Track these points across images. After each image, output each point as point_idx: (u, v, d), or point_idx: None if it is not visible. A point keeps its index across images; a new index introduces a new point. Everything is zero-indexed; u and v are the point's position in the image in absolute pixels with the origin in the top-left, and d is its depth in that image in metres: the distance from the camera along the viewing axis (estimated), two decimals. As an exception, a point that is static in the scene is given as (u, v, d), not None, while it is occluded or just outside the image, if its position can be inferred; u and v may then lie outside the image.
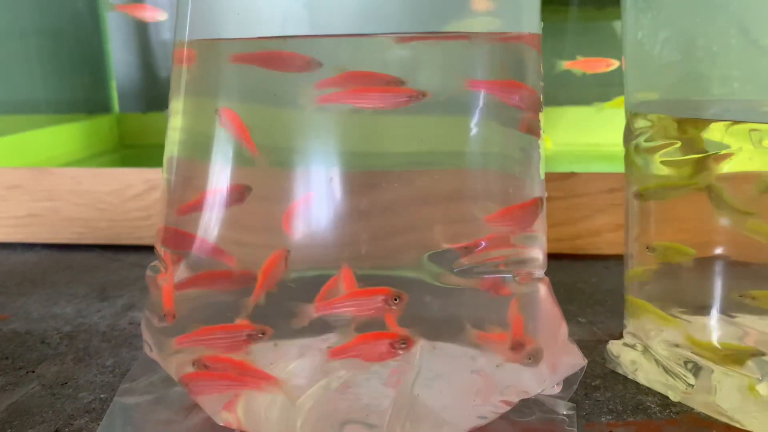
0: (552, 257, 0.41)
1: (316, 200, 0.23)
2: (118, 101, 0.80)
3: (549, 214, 0.41)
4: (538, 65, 0.25)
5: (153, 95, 0.81)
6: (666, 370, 0.25)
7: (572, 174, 0.39)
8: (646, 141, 0.27)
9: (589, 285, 0.37)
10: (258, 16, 0.22)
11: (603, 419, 0.24)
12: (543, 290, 0.24)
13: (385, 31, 0.21)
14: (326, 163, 0.22)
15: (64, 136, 0.68)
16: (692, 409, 0.24)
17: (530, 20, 0.24)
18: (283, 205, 0.23)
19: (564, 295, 0.35)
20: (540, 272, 0.25)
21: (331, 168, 0.22)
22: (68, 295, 0.37)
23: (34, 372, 0.28)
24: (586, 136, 0.70)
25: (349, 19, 0.21)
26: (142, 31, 0.81)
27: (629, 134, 0.28)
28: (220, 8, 0.23)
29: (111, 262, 0.43)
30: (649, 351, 0.26)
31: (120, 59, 0.81)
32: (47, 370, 0.28)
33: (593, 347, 0.29)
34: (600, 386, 0.26)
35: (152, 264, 0.26)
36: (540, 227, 0.25)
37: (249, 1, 0.22)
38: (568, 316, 0.33)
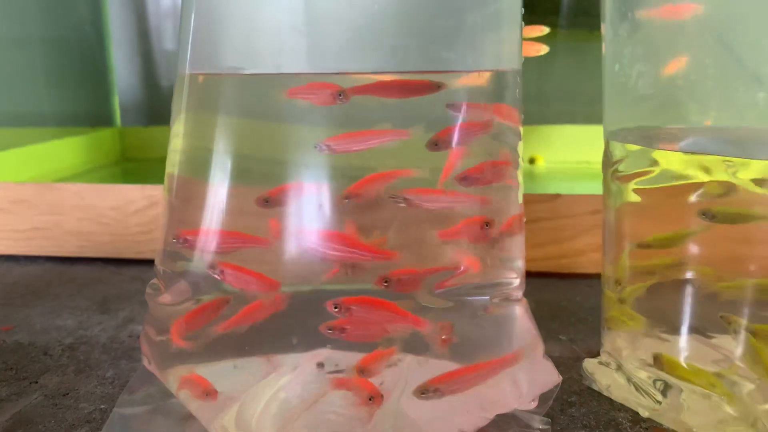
0: (538, 276, 0.42)
1: (308, 216, 0.24)
2: (120, 115, 0.82)
3: (536, 234, 0.42)
4: (518, 99, 0.26)
5: (154, 109, 0.83)
6: (636, 387, 0.26)
7: (557, 196, 0.41)
8: (621, 168, 0.28)
9: (572, 303, 0.38)
10: (256, 54, 0.24)
11: (577, 434, 0.25)
12: (519, 311, 0.26)
13: (377, 69, 0.23)
14: (318, 177, 0.24)
15: (68, 149, 0.70)
16: (661, 424, 0.25)
17: (511, 58, 0.26)
18: (276, 219, 0.24)
19: (548, 312, 0.37)
20: (518, 294, 0.26)
21: (323, 184, 0.24)
22: (70, 308, 0.39)
23: (37, 383, 0.30)
24: (578, 154, 0.72)
25: (342, 57, 0.23)
26: (144, 46, 0.83)
27: (607, 161, 0.30)
28: (218, 43, 0.25)
29: (112, 275, 0.44)
30: (622, 369, 0.27)
31: (123, 74, 0.83)
32: (49, 381, 0.30)
33: (572, 364, 0.30)
34: (575, 402, 0.27)
35: (152, 282, 0.27)
36: (518, 252, 0.26)
37: (246, 38, 0.24)
38: (551, 333, 0.34)
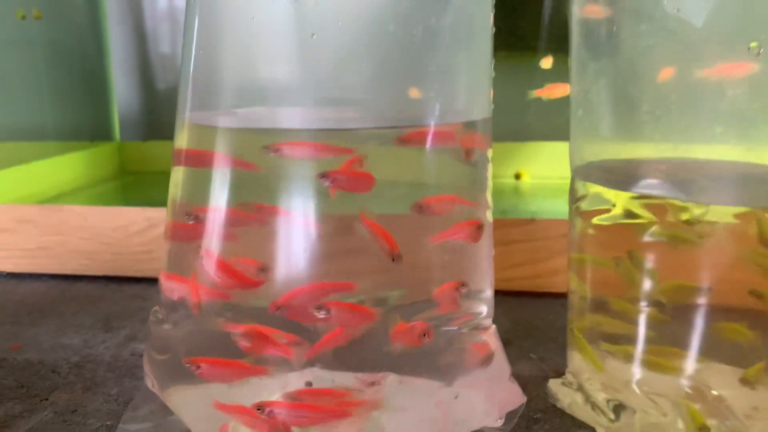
0: (515, 294, 0.45)
1: (297, 244, 0.27)
2: (119, 130, 0.84)
3: (513, 255, 0.45)
4: (487, 152, 0.29)
5: (152, 124, 0.85)
6: (593, 407, 0.29)
7: (533, 220, 0.44)
8: (583, 206, 0.31)
9: (545, 322, 0.41)
10: (250, 110, 0.26)
11: (539, 449, 0.28)
12: (488, 338, 0.28)
13: (355, 127, 0.26)
14: (306, 209, 0.26)
15: (69, 164, 0.72)
16: (616, 440, 0.28)
17: (482, 109, 0.28)
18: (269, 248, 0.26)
19: (522, 332, 0.39)
20: (487, 322, 0.29)
21: (310, 213, 0.26)
22: (75, 326, 0.41)
23: (47, 400, 0.32)
24: (561, 170, 0.75)
25: (323, 116, 0.25)
26: (143, 63, 0.85)
27: (572, 196, 0.32)
28: (215, 98, 0.27)
29: (114, 292, 0.47)
30: (582, 390, 0.30)
31: (122, 90, 0.85)
32: (59, 398, 0.32)
33: (540, 383, 0.33)
34: (540, 419, 0.30)
35: (155, 309, 0.30)
36: (487, 283, 0.29)
37: (241, 95, 0.26)
38: (523, 352, 0.37)
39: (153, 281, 0.48)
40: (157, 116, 0.85)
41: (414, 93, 0.26)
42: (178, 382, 0.29)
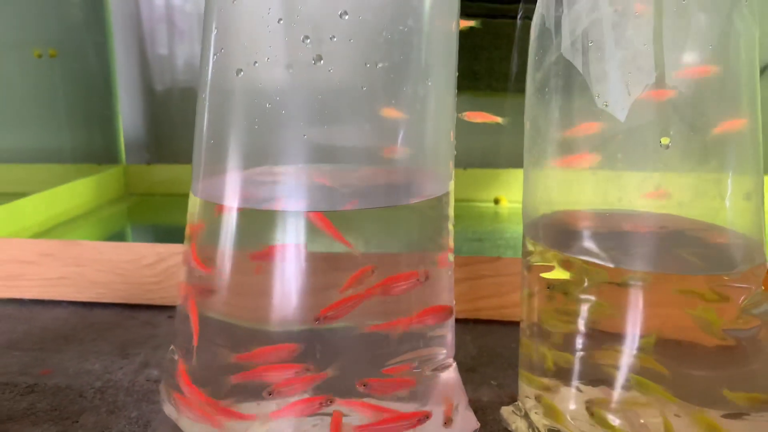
0: (483, 322, 0.51)
1: (289, 276, 0.32)
2: (125, 154, 0.90)
3: (481, 288, 0.51)
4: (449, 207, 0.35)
5: (157, 148, 0.91)
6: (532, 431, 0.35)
7: (498, 258, 0.49)
8: (532, 260, 0.37)
9: (508, 350, 0.47)
10: (256, 193, 0.32)
11: (489, 466, 0.34)
12: (448, 374, 0.34)
13: (342, 208, 0.31)
14: (299, 249, 0.32)
15: (79, 189, 0.78)
16: (553, 459, 0.34)
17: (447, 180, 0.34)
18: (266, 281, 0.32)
19: (486, 358, 0.45)
20: (448, 361, 0.35)
21: (301, 252, 0.32)
22: (95, 352, 0.47)
23: (77, 422, 0.38)
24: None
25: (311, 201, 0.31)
26: (148, 90, 0.90)
27: (524, 250, 0.38)
28: (222, 181, 0.33)
29: (127, 319, 0.52)
30: (528, 417, 0.36)
31: (127, 115, 0.90)
32: (87, 420, 0.38)
33: (497, 408, 0.39)
34: (493, 440, 0.36)
35: (171, 348, 0.35)
36: (447, 330, 0.34)
37: (249, 183, 0.32)
38: (485, 378, 0.43)
39: (162, 309, 0.54)
40: (161, 141, 0.91)
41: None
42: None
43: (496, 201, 0.82)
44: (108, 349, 0.47)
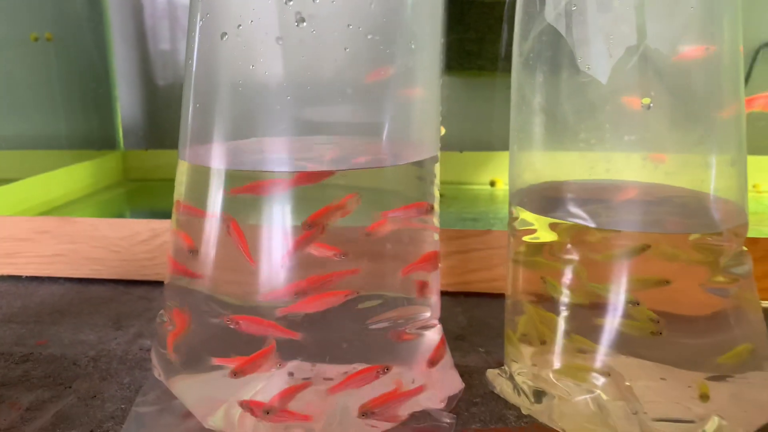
0: (474, 295, 0.51)
1: (280, 254, 0.33)
2: (123, 139, 0.91)
3: (472, 262, 0.51)
4: (434, 178, 0.35)
5: (154, 134, 0.91)
6: (520, 393, 0.35)
7: (488, 231, 0.50)
8: (516, 225, 0.37)
9: (497, 320, 0.47)
10: (242, 155, 0.32)
11: (474, 426, 0.34)
12: (432, 334, 0.34)
13: (327, 168, 0.32)
14: (285, 225, 0.32)
15: (78, 173, 0.78)
16: (537, 420, 0.34)
17: (432, 146, 0.35)
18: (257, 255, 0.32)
19: (475, 328, 0.46)
20: (433, 321, 0.35)
21: (288, 229, 0.32)
22: (90, 325, 0.47)
23: (70, 387, 0.39)
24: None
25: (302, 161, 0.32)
26: (146, 76, 0.91)
27: (510, 218, 0.39)
28: (211, 145, 0.33)
29: (122, 294, 0.53)
30: (513, 378, 0.36)
31: (125, 101, 0.91)
32: (80, 386, 0.39)
33: (483, 372, 0.39)
34: (479, 402, 0.36)
35: (161, 312, 0.36)
36: (432, 291, 0.35)
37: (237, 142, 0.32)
38: (474, 346, 0.43)
39: (157, 284, 0.55)
40: (158, 126, 0.91)
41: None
42: (180, 372, 0.35)
43: (492, 183, 0.83)
44: (103, 321, 0.48)
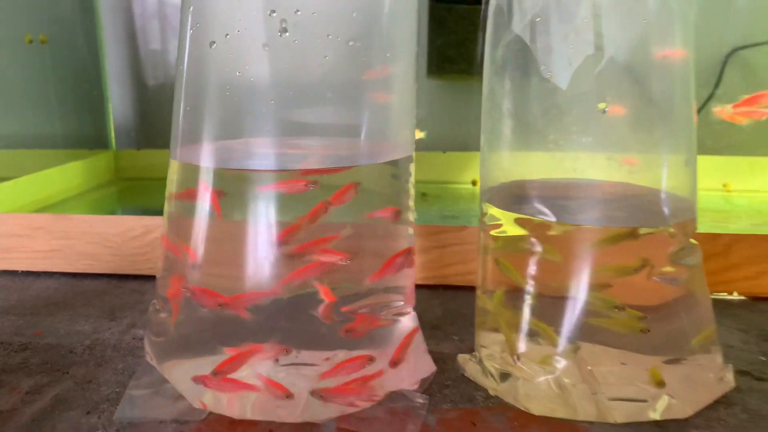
0: (451, 288, 0.54)
1: (264, 249, 0.35)
2: (115, 139, 0.93)
3: (448, 256, 0.54)
4: (410, 176, 0.38)
5: (146, 134, 0.94)
6: (487, 375, 0.38)
7: (464, 227, 0.52)
8: (485, 221, 0.40)
9: (471, 311, 0.49)
10: (230, 154, 0.35)
11: (444, 406, 0.37)
12: (406, 321, 0.37)
13: (308, 167, 0.34)
14: (269, 220, 0.35)
15: (71, 172, 0.80)
16: (503, 400, 0.37)
17: (407, 146, 0.37)
18: (240, 249, 0.35)
19: (451, 318, 0.48)
20: (407, 308, 0.38)
21: (272, 222, 0.35)
22: (85, 316, 0.50)
23: (67, 373, 0.41)
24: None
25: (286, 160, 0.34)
26: (137, 77, 0.93)
27: (481, 213, 0.41)
28: (201, 146, 0.36)
29: (115, 288, 0.55)
30: (482, 363, 0.39)
31: (117, 102, 0.93)
32: (77, 372, 0.41)
33: (456, 358, 0.42)
34: (450, 385, 0.39)
35: (153, 301, 0.38)
36: (407, 281, 0.38)
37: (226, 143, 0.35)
38: (448, 334, 0.46)
39: (148, 278, 0.57)
40: (150, 126, 0.94)
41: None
42: (172, 358, 0.37)
43: (474, 182, 0.86)
44: (97, 313, 0.50)
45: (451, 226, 0.53)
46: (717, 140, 0.87)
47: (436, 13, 0.77)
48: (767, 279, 0.51)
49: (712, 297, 0.52)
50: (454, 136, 0.85)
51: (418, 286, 0.54)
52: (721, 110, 0.78)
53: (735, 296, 0.52)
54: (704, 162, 0.94)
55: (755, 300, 0.52)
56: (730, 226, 0.69)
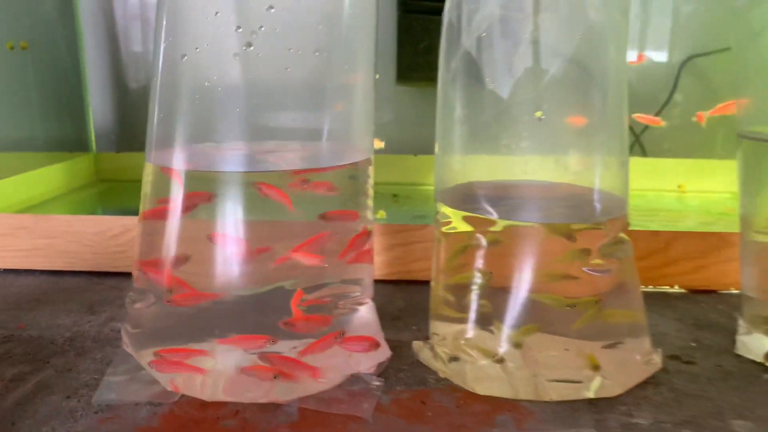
0: (414, 282, 0.57)
1: (232, 246, 0.38)
2: (95, 142, 0.95)
3: (413, 252, 0.57)
4: (368, 178, 0.41)
5: (126, 137, 0.96)
6: (437, 359, 0.41)
7: (426, 225, 0.56)
8: (439, 218, 0.44)
9: (431, 304, 0.53)
10: (199, 157, 0.38)
11: (398, 388, 0.40)
12: (365, 310, 0.41)
13: (274, 169, 0.38)
14: (236, 221, 0.38)
15: (51, 175, 0.83)
16: (452, 382, 0.41)
17: (366, 150, 0.41)
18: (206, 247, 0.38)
19: (411, 310, 0.52)
20: (365, 299, 0.41)
21: (240, 224, 0.38)
22: (65, 311, 0.52)
23: (48, 362, 0.44)
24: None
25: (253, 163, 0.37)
26: (117, 82, 0.96)
27: (436, 212, 0.45)
28: (174, 150, 0.39)
29: (95, 285, 0.58)
30: (433, 348, 0.42)
31: (97, 106, 0.95)
32: (58, 361, 0.44)
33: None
34: (406, 369, 0.42)
35: (130, 293, 0.41)
36: (365, 274, 0.41)
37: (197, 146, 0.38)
38: (408, 325, 0.49)
39: (127, 275, 0.60)
40: (129, 130, 0.96)
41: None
42: (147, 347, 0.40)
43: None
44: (77, 308, 0.53)
45: (415, 225, 0.56)
46: (673, 144, 0.91)
47: (404, 23, 0.80)
48: (704, 273, 0.55)
49: (655, 290, 0.57)
50: (424, 139, 0.88)
51: (384, 281, 0.58)
52: (701, 114, 0.84)
53: (676, 289, 0.56)
54: (661, 164, 0.99)
55: (693, 293, 0.56)
56: (679, 225, 0.73)
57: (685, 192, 0.86)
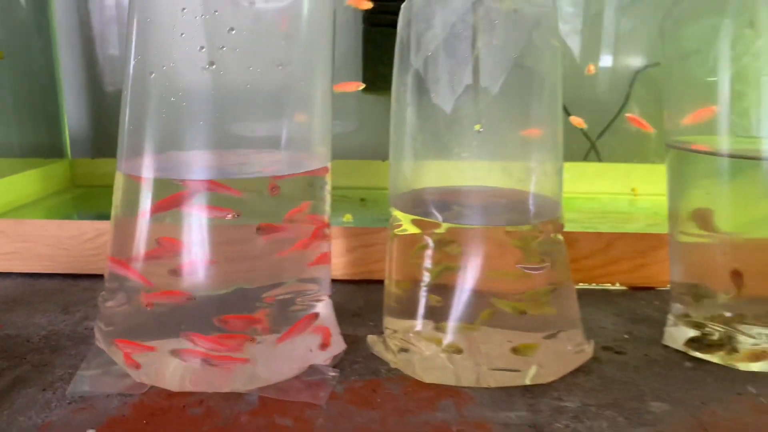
0: (374, 282, 0.61)
1: (203, 244, 0.41)
2: (70, 148, 0.97)
3: (372, 254, 0.61)
4: (326, 185, 0.45)
5: (101, 143, 0.98)
6: (388, 350, 0.45)
7: (384, 228, 0.60)
8: (392, 221, 0.47)
9: (390, 302, 0.57)
10: (171, 165, 0.41)
11: (352, 378, 0.44)
12: (321, 306, 0.44)
13: (238, 176, 0.41)
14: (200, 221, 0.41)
15: (27, 180, 0.85)
16: (403, 373, 0.44)
17: (323, 158, 0.44)
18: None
19: (370, 308, 0.55)
20: (323, 296, 0.45)
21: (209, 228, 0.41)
22: (41, 311, 0.55)
23: (25, 359, 0.46)
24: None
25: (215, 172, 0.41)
26: (93, 88, 0.98)
27: (390, 217, 0.48)
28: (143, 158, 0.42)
29: (70, 286, 0.61)
30: (385, 341, 0.46)
31: (72, 112, 0.98)
32: (33, 357, 0.46)
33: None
34: (360, 361, 0.46)
35: (102, 293, 0.44)
36: (322, 274, 0.44)
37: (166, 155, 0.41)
38: (365, 320, 0.53)
39: (101, 277, 0.62)
40: (104, 136, 0.98)
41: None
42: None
43: (409, 189, 0.93)
44: (52, 308, 0.56)
45: (375, 227, 0.60)
46: (627, 149, 0.96)
47: (370, 35, 0.84)
48: (643, 271, 0.60)
49: (598, 287, 0.61)
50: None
51: (346, 281, 0.62)
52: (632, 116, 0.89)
53: (617, 286, 0.61)
54: (615, 169, 1.04)
55: (633, 290, 0.60)
56: (627, 226, 0.77)
57: (638, 195, 0.91)
